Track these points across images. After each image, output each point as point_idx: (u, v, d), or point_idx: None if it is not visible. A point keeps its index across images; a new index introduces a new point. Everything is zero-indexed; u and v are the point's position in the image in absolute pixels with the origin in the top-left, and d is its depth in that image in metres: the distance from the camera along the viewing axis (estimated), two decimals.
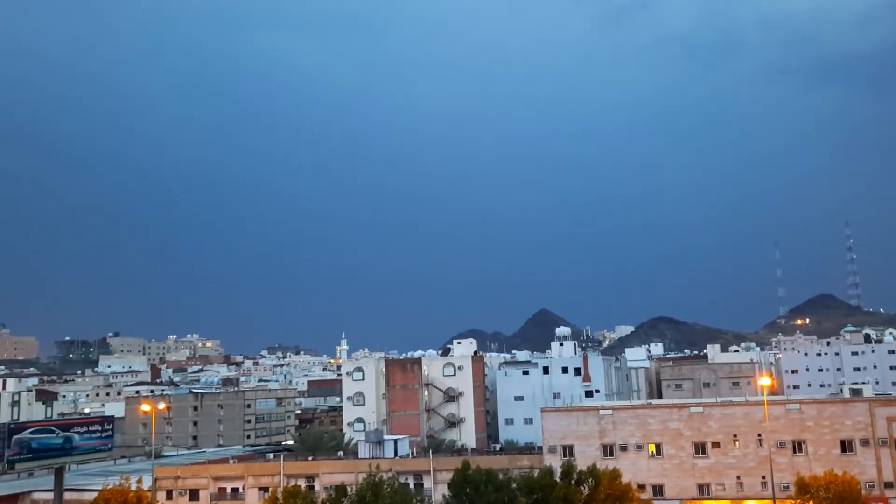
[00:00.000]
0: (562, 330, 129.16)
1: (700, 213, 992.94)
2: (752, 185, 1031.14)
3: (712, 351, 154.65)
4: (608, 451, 63.71)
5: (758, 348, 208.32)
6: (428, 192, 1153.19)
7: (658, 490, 61.50)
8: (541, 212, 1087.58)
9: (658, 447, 62.99)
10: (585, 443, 64.14)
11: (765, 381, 64.08)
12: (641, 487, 58.64)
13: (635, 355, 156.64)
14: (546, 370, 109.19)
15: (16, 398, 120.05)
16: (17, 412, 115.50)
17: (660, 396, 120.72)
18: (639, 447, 63.32)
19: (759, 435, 60.72)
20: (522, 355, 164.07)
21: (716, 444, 61.90)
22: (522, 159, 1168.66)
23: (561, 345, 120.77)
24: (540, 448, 68.07)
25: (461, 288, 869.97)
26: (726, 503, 60.47)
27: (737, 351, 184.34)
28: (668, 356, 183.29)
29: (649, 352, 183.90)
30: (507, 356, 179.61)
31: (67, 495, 68.29)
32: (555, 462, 56.65)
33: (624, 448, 63.55)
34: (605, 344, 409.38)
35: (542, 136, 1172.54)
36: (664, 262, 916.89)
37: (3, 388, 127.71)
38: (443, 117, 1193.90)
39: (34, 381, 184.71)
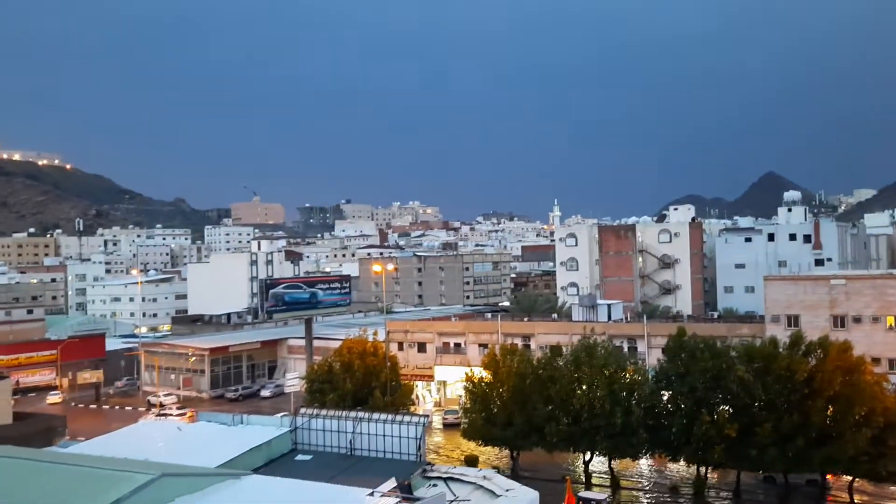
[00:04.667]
0: (791, 194, 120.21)
1: None
2: None
3: None
4: (839, 322, 60.15)
5: None
6: (642, 51, 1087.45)
7: (895, 364, 57.62)
8: (766, 66, 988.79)
9: None
10: (813, 313, 60.95)
11: None
12: (876, 361, 55.15)
13: (876, 221, 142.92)
14: (771, 237, 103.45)
15: (269, 258, 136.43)
16: (271, 270, 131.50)
17: None
18: (875, 319, 59.10)
19: None
20: (745, 222, 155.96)
21: None
22: (742, 11, 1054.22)
23: (789, 210, 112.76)
24: (761, 317, 65.84)
25: (680, 152, 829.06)
26: None
27: None
28: None
29: (893, 217, 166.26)
30: (728, 223, 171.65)
31: (315, 343, 78.00)
32: (777, 332, 54.62)
33: (857, 320, 59.64)
34: (842, 209, 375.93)
35: None
36: None
37: (259, 248, 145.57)
38: None
39: (282, 242, 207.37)
